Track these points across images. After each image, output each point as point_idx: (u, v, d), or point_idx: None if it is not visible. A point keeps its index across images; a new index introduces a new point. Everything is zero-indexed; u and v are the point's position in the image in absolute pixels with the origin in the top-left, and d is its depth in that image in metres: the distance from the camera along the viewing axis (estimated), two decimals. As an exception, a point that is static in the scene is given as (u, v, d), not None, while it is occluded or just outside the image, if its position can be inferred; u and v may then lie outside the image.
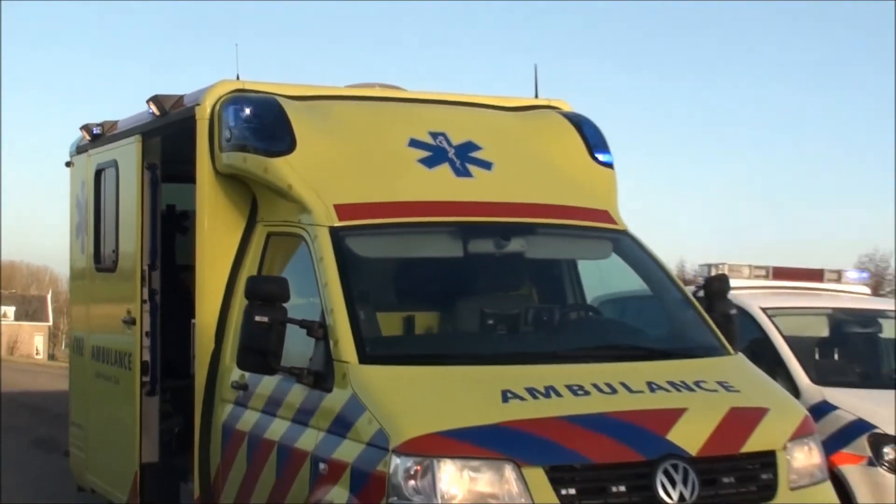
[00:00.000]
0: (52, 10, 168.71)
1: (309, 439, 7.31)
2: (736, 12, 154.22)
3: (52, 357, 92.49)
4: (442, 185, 8.35)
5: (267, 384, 7.86)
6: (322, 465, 7.09)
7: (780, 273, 12.58)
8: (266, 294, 7.45)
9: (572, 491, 6.48)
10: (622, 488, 6.58)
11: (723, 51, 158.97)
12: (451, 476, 6.46)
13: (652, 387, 7.15)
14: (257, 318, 7.37)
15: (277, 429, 7.69)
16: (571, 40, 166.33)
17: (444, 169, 8.46)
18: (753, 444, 7.03)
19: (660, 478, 6.63)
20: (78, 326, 12.06)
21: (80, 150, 11.82)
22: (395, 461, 6.53)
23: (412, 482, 6.48)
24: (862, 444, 9.81)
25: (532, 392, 6.87)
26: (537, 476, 6.47)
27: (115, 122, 10.99)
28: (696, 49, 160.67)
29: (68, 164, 12.17)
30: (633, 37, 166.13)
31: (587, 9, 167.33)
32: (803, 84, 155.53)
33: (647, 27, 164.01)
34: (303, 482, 7.28)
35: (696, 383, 7.32)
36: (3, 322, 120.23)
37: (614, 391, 7.02)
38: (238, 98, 8.66)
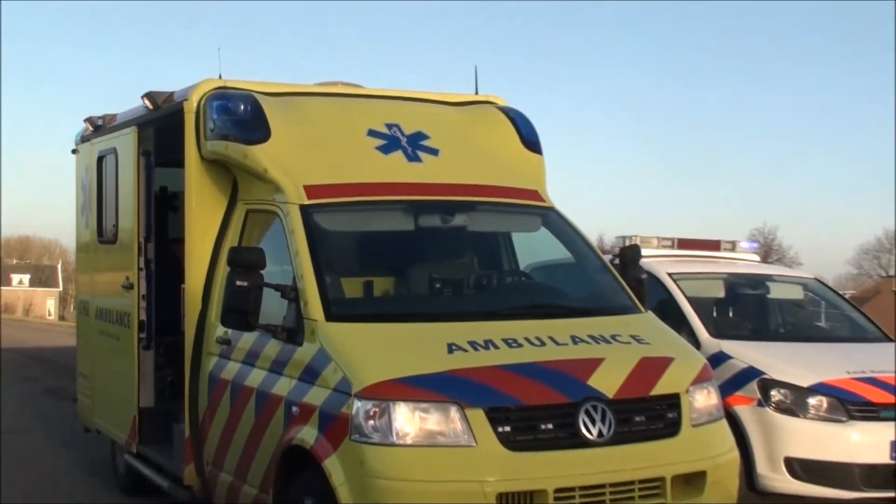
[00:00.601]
0: (65, 13, 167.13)
1: (283, 386, 7.30)
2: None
3: (62, 318, 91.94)
4: (396, 168, 8.35)
5: (247, 339, 7.85)
6: (294, 408, 7.08)
7: (684, 244, 12.64)
8: (246, 262, 7.48)
9: (508, 429, 6.50)
10: (550, 426, 6.60)
11: (635, 43, 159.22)
12: (405, 417, 6.46)
13: (575, 340, 7.17)
14: (238, 283, 7.40)
15: (256, 377, 7.68)
16: (507, 38, 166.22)
17: (398, 155, 8.47)
18: (661, 388, 7.07)
19: (582, 417, 6.66)
20: (84, 291, 11.99)
21: (83, 139, 11.73)
22: (357, 404, 6.53)
23: (371, 422, 6.49)
24: (752, 388, 9.86)
25: (473, 345, 6.88)
26: (478, 416, 6.48)
27: (115, 115, 10.92)
28: (613, 43, 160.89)
29: (74, 152, 12.09)
30: (558, 33, 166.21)
31: (517, 10, 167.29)
32: (705, 77, 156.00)
33: (568, 24, 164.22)
34: (278, 423, 7.27)
35: (613, 337, 7.35)
36: (20, 287, 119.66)
37: (543, 344, 7.04)
38: (220, 94, 8.64)
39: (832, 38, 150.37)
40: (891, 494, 9.72)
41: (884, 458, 9.52)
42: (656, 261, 11.79)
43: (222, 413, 8.12)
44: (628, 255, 8.63)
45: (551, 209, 8.74)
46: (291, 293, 7.36)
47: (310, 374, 7.03)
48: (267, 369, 7.56)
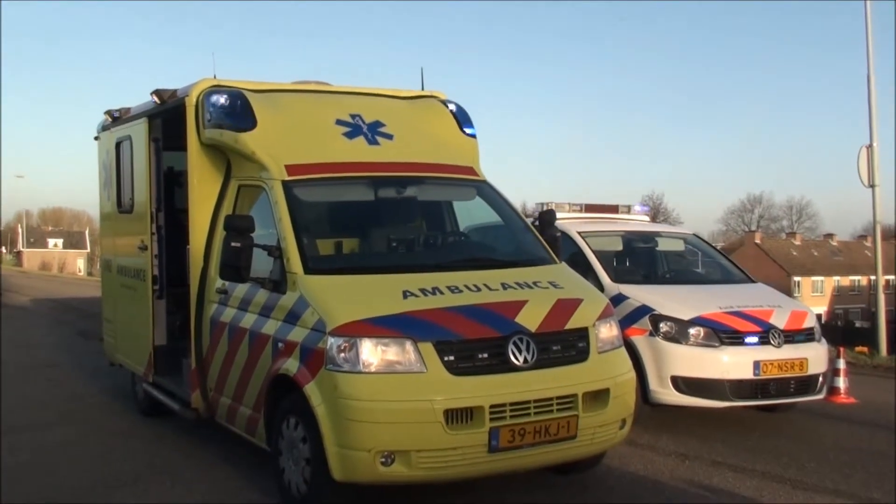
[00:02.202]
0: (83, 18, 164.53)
1: (270, 326, 7.26)
2: None
3: (89, 274, 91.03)
4: (359, 150, 8.31)
5: (241, 289, 7.79)
6: (280, 344, 7.05)
7: (590, 208, 12.70)
8: (238, 227, 7.45)
9: (451, 358, 6.50)
10: (485, 355, 6.61)
11: (554, 41, 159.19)
12: (369, 350, 6.45)
13: (504, 286, 7.18)
14: (233, 244, 7.36)
15: (248, 320, 7.63)
16: (451, 40, 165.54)
17: (360, 140, 8.42)
18: (573, 323, 7.10)
19: (510, 347, 6.68)
20: (107, 252, 11.86)
21: (104, 128, 11.57)
22: (330, 340, 6.51)
23: (342, 354, 6.47)
24: (645, 322, 9.93)
25: (423, 291, 6.87)
26: (428, 349, 6.48)
27: (129, 109, 10.78)
28: (538, 41, 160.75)
29: (96, 139, 11.92)
30: (495, 33, 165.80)
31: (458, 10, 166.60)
32: (613, 69, 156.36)
33: (497, 23, 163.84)
34: (267, 356, 7.24)
35: (534, 283, 7.36)
36: (55, 249, 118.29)
37: (479, 289, 7.04)
38: (215, 91, 8.56)
39: (714, 25, 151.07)
40: (753, 403, 9.89)
41: (748, 374, 9.66)
42: (568, 222, 11.84)
43: (221, 348, 8.07)
44: (546, 217, 8.65)
45: (484, 182, 8.74)
46: (276, 252, 7.32)
47: (292, 317, 7.00)
48: (257, 313, 7.52)
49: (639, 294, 10.25)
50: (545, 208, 10.96)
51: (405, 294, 6.82)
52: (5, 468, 8.61)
